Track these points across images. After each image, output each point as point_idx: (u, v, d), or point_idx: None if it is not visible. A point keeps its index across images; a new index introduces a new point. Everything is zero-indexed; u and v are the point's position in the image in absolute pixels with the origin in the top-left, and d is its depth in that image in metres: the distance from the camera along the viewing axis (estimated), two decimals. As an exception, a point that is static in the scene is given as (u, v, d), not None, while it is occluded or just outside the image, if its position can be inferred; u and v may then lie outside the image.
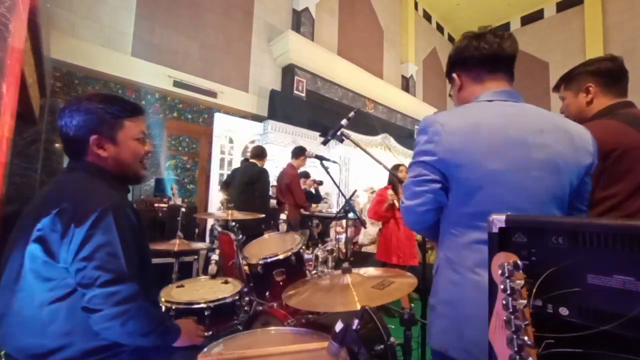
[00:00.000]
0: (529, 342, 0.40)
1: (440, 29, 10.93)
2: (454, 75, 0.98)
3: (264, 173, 3.61)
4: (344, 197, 2.23)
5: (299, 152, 3.89)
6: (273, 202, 4.13)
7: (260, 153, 3.73)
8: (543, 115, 0.83)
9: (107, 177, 0.99)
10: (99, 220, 0.85)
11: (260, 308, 1.57)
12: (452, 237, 0.83)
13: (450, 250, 0.83)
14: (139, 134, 1.04)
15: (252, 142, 5.27)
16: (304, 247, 1.71)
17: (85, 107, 0.96)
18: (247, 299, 1.76)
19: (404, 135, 8.90)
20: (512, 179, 0.77)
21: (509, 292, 0.43)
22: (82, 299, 0.84)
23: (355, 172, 7.20)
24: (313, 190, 4.74)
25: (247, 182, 3.50)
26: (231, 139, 5.25)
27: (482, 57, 0.90)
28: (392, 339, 1.34)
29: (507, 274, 0.44)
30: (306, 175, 4.69)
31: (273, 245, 1.79)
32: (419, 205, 0.86)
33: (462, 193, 0.81)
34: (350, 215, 2.87)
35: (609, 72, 1.16)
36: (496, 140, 0.78)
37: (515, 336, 0.41)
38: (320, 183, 4.93)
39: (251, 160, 3.67)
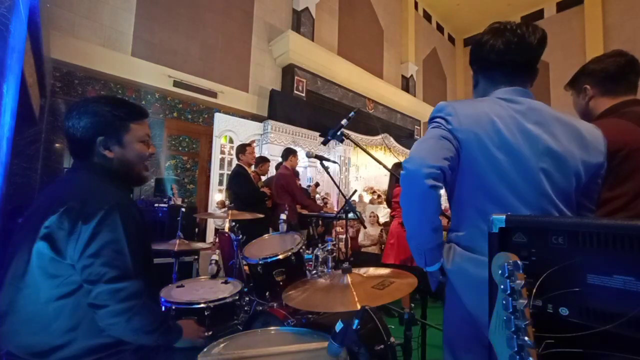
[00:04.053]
0: (529, 342, 0.40)
1: (440, 29, 10.94)
2: (472, 70, 0.97)
3: (237, 175, 3.41)
4: (344, 197, 2.24)
5: (288, 153, 3.86)
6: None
7: (238, 151, 3.52)
8: (553, 113, 0.84)
9: (111, 177, 1.01)
10: (106, 218, 0.87)
11: (260, 308, 1.57)
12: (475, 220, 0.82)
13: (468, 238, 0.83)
14: (144, 137, 1.07)
15: (252, 141, 5.27)
16: (304, 247, 1.71)
17: (93, 110, 0.98)
18: (247, 299, 1.76)
19: (404, 135, 8.91)
20: (519, 169, 0.78)
21: (509, 292, 0.43)
22: (88, 296, 0.86)
23: (354, 172, 7.19)
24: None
25: (229, 187, 3.45)
26: (231, 139, 5.25)
27: (498, 60, 0.87)
28: (392, 339, 1.34)
29: (507, 274, 0.44)
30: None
31: (273, 245, 1.79)
32: (435, 158, 0.77)
33: (474, 174, 0.81)
34: (350, 215, 2.87)
35: (604, 72, 1.14)
36: (505, 131, 0.79)
37: (515, 336, 0.41)
38: (317, 185, 4.95)
39: (238, 162, 3.53)
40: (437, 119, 0.85)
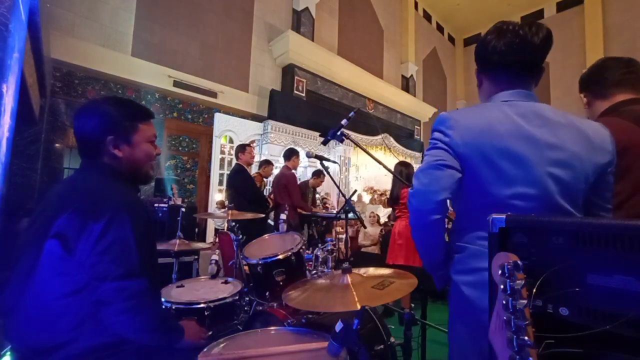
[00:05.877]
0: (529, 342, 0.40)
1: (440, 29, 10.93)
2: (476, 70, 0.97)
3: (238, 172, 3.50)
4: (344, 197, 2.24)
5: (290, 154, 3.92)
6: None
7: (238, 150, 3.61)
8: (557, 115, 0.82)
9: (119, 177, 1.03)
10: (115, 217, 0.89)
11: (260, 308, 1.57)
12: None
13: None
14: (151, 137, 1.10)
15: (252, 141, 5.26)
16: (304, 247, 1.71)
17: (102, 110, 1.01)
18: (247, 299, 1.76)
19: (404, 135, 8.91)
20: (525, 176, 0.78)
21: (509, 292, 0.43)
22: (94, 294, 0.87)
23: (354, 172, 7.19)
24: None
25: (229, 185, 3.52)
26: (231, 139, 5.25)
27: (500, 61, 0.86)
28: (392, 339, 1.34)
29: (507, 274, 0.44)
30: (317, 174, 4.44)
31: (273, 245, 1.79)
32: (437, 192, 0.80)
33: (480, 185, 0.81)
34: (350, 215, 2.86)
35: (585, 79, 1.25)
36: (508, 138, 0.79)
37: (515, 336, 0.41)
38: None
39: (237, 161, 3.61)
40: (437, 134, 0.85)
